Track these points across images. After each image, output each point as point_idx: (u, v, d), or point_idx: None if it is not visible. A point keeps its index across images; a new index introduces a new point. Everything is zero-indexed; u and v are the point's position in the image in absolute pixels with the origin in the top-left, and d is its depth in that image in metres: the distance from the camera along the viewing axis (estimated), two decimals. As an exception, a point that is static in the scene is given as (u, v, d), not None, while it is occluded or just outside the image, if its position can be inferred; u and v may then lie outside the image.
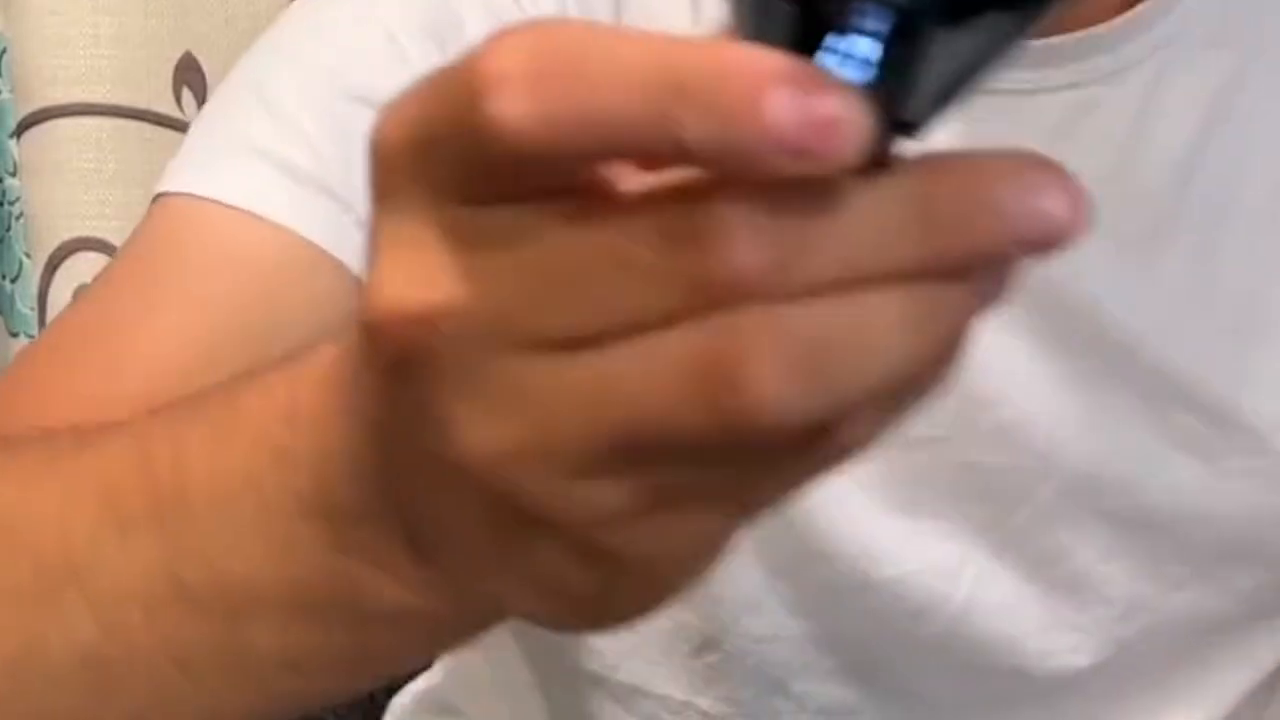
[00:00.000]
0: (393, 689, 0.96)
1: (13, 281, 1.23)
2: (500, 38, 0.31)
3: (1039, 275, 0.68)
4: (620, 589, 0.35)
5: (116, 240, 1.18)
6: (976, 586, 0.73)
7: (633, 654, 0.76)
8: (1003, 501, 0.72)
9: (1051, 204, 0.31)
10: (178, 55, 1.20)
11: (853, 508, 0.71)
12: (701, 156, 0.30)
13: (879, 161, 0.30)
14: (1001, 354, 0.70)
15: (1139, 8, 0.68)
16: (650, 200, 0.31)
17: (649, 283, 0.31)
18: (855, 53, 0.28)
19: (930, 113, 0.30)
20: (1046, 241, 0.31)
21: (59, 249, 1.19)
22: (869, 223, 0.30)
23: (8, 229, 1.22)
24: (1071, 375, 0.70)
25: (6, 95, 1.21)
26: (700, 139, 0.29)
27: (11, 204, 1.22)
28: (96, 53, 1.18)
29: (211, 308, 0.61)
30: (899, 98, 0.29)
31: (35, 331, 1.22)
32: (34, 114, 1.18)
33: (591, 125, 0.30)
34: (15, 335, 1.24)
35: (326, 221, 0.62)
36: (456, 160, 0.32)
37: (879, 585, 0.72)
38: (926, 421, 0.70)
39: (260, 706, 0.43)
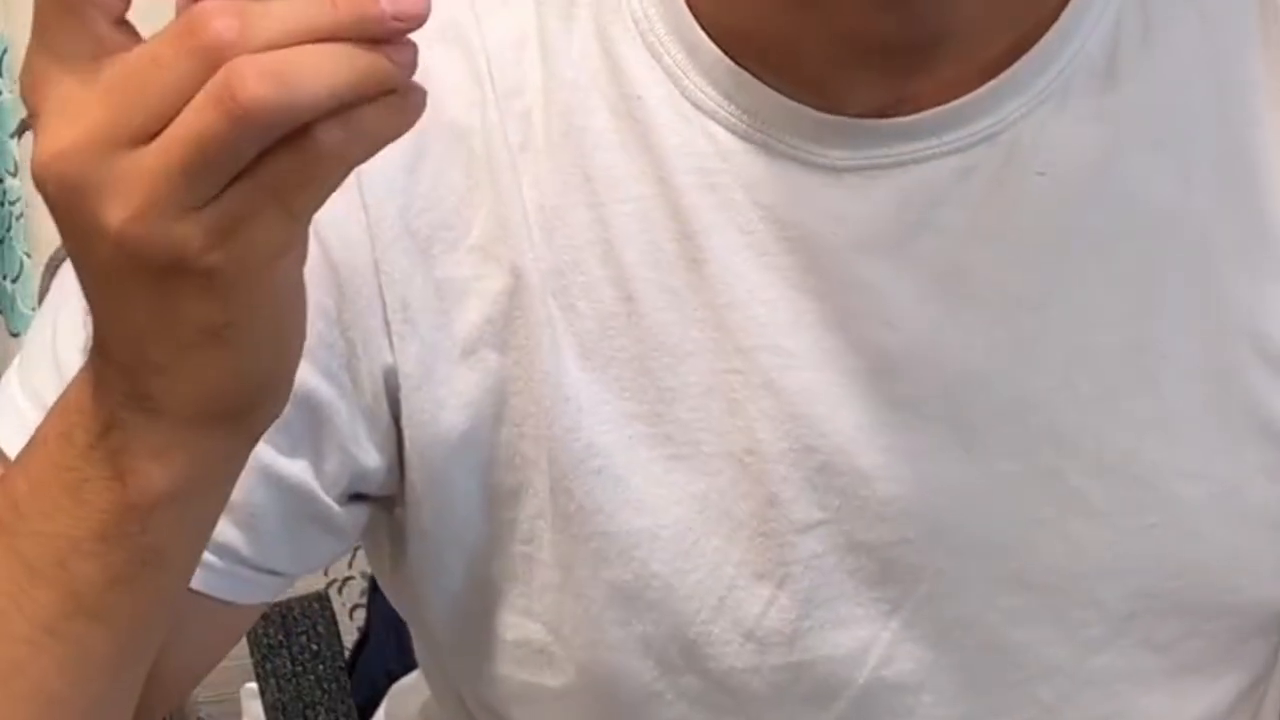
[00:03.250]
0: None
1: (13, 281, 1.23)
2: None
3: (920, 349, 0.69)
4: (231, 307, 0.50)
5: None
6: (883, 666, 0.72)
7: None
8: (902, 577, 0.71)
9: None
10: (178, 55, 1.19)
11: (752, 605, 0.71)
12: None
13: None
14: (881, 429, 0.69)
15: (1007, 72, 0.67)
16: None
17: (178, 68, 0.47)
18: None
19: None
20: (405, 16, 0.49)
21: (60, 249, 1.18)
22: (294, 5, 0.48)
23: (8, 229, 1.23)
24: (956, 445, 0.69)
25: (6, 95, 1.21)
26: None
27: (12, 204, 1.22)
28: (97, 52, 1.17)
29: None
30: None
31: (36, 331, 1.22)
32: (34, 114, 1.18)
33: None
34: (16, 335, 1.24)
35: None
36: (49, 15, 0.49)
37: (774, 671, 0.72)
38: (813, 504, 0.70)
39: (117, 650, 0.58)
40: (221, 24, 0.48)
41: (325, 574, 1.37)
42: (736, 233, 0.68)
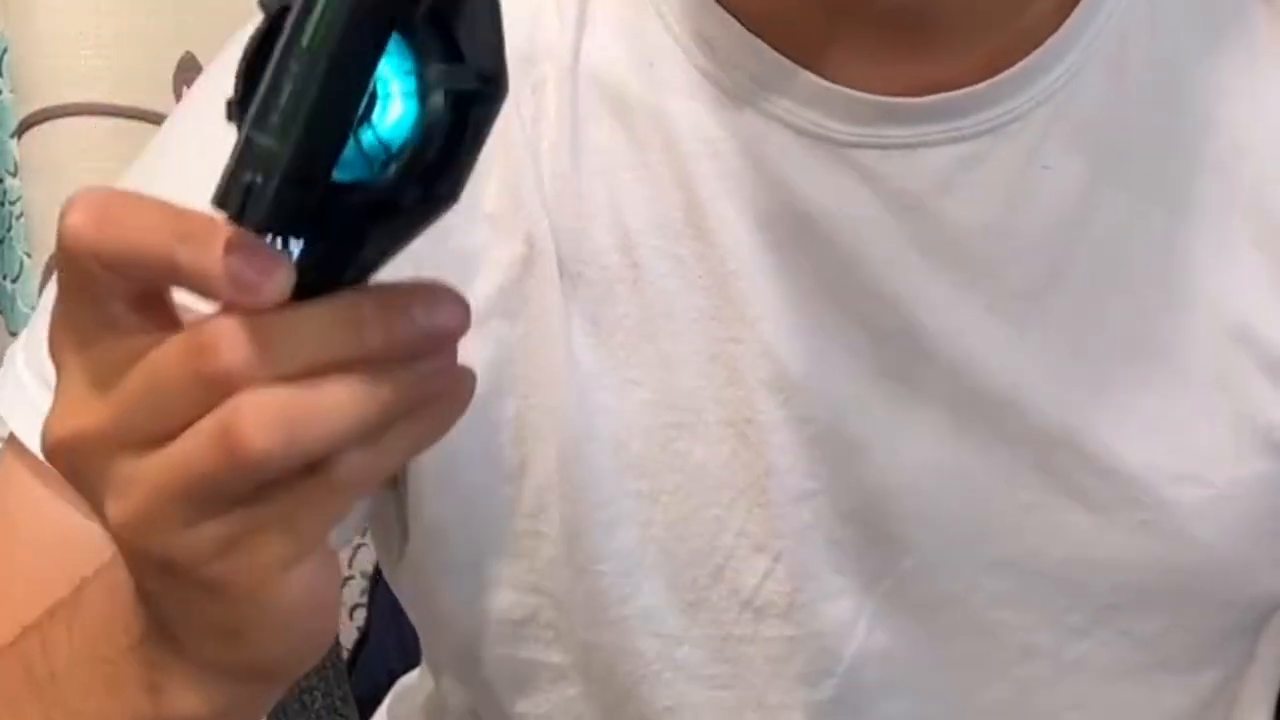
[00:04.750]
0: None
1: (13, 281, 1.23)
2: (80, 193, 0.47)
3: (919, 329, 0.69)
4: (238, 613, 0.49)
5: (117, 240, 1.17)
6: (869, 638, 0.73)
7: None
8: (888, 551, 0.72)
9: (442, 311, 0.46)
10: (178, 55, 1.20)
11: (749, 576, 0.72)
12: (188, 278, 0.46)
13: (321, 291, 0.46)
14: (879, 404, 0.70)
15: (1022, 63, 0.68)
16: (187, 328, 0.47)
17: (182, 390, 0.46)
18: (292, 247, 0.46)
19: (340, 272, 0.46)
20: (437, 335, 0.46)
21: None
22: (313, 328, 0.45)
23: (8, 229, 1.22)
24: (952, 426, 0.70)
25: (6, 95, 1.21)
26: (186, 264, 0.45)
27: (12, 204, 1.22)
28: (96, 53, 1.18)
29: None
30: (324, 265, 0.46)
31: (35, 331, 1.22)
32: (34, 114, 1.18)
33: (127, 236, 0.46)
34: (15, 335, 1.23)
35: None
36: (68, 291, 0.48)
37: (769, 643, 0.73)
38: (806, 475, 0.71)
39: None
40: (228, 354, 0.45)
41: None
42: (741, 202, 0.69)
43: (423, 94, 0.45)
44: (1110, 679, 0.74)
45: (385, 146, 0.45)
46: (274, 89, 0.43)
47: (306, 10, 0.43)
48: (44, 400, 0.67)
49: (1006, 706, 0.74)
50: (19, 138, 1.19)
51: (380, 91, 0.45)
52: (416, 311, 0.46)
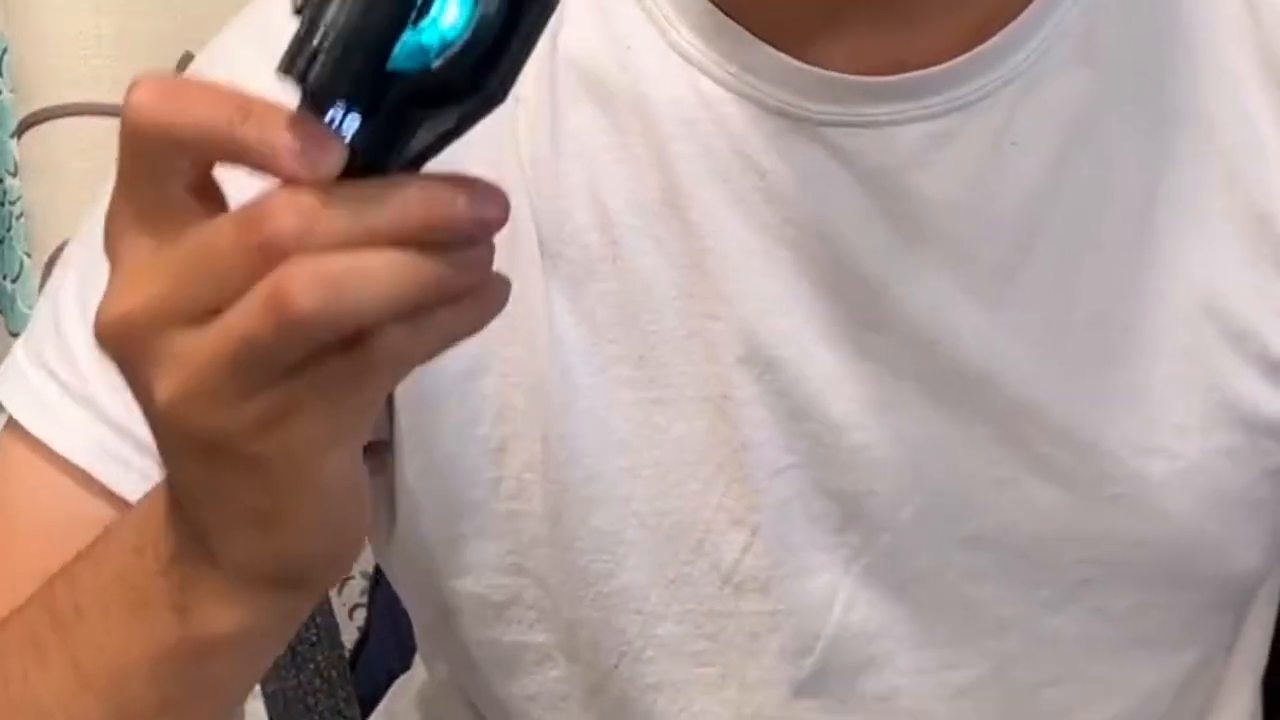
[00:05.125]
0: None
1: (13, 281, 1.23)
2: (143, 74, 0.49)
3: (892, 306, 0.69)
4: (276, 495, 0.50)
5: (116, 240, 1.18)
6: (847, 613, 0.73)
7: None
8: (865, 526, 0.72)
9: (483, 200, 0.48)
10: (178, 55, 1.20)
11: (728, 551, 0.72)
12: (250, 152, 0.47)
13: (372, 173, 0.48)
14: (854, 380, 0.70)
15: (991, 41, 0.69)
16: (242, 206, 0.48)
17: (235, 260, 0.47)
18: (345, 130, 0.48)
19: (388, 157, 0.49)
20: (480, 222, 0.48)
21: (59, 249, 1.20)
22: (362, 203, 0.47)
23: (8, 229, 1.23)
24: (927, 402, 0.71)
25: (6, 95, 1.21)
26: (247, 138, 0.47)
27: (12, 204, 1.22)
28: (97, 53, 1.18)
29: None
30: (374, 148, 0.48)
31: (36, 332, 1.22)
32: (34, 114, 1.19)
33: (191, 111, 0.48)
34: (16, 334, 1.24)
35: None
36: (127, 172, 0.49)
37: (749, 618, 0.73)
38: (783, 449, 0.71)
39: None
40: (281, 221, 0.47)
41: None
42: (719, 181, 0.69)
43: None
44: (1086, 656, 0.75)
45: (441, 39, 0.47)
46: None
47: None
48: (44, 387, 0.68)
49: (984, 682, 0.74)
50: (19, 138, 1.20)
51: None
52: (460, 197, 0.48)
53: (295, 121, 0.47)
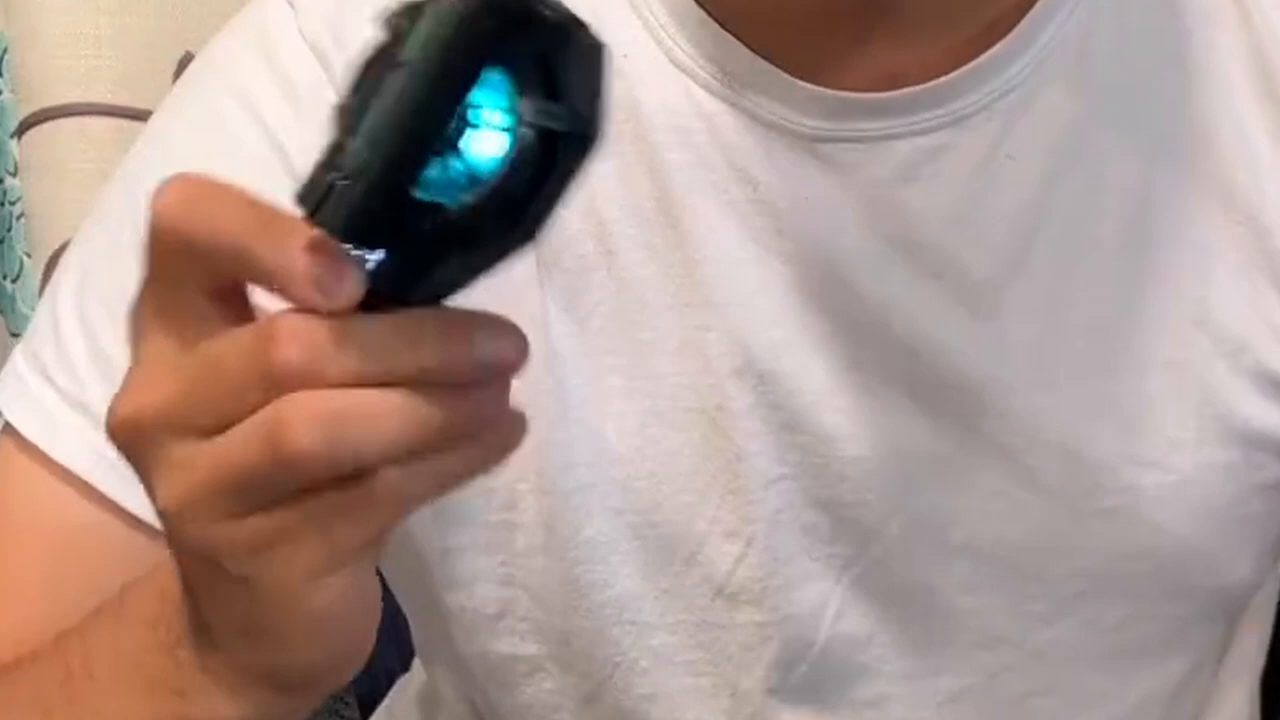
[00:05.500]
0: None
1: (13, 281, 1.23)
2: (174, 177, 0.48)
3: (885, 318, 0.69)
4: (268, 614, 0.49)
5: (116, 240, 1.18)
6: (838, 623, 0.73)
7: None
8: (856, 537, 0.72)
9: (501, 342, 0.47)
10: (178, 55, 1.20)
11: (722, 562, 0.72)
12: (265, 274, 0.46)
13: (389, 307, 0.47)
14: (845, 391, 0.70)
15: (983, 57, 0.69)
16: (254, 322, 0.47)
17: (241, 381, 0.46)
18: (368, 257, 0.46)
19: (411, 288, 0.47)
20: (495, 365, 0.47)
21: (60, 249, 1.20)
22: (375, 338, 0.46)
23: (8, 229, 1.23)
24: (918, 414, 0.71)
25: (7, 95, 1.21)
26: (263, 255, 0.46)
27: (12, 204, 1.22)
28: (97, 53, 1.18)
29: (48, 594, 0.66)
30: (396, 280, 0.47)
31: (36, 331, 1.22)
32: (34, 114, 1.19)
33: (211, 222, 0.47)
34: (16, 335, 1.24)
35: None
36: (152, 273, 0.49)
37: (743, 629, 0.73)
38: (775, 460, 0.71)
39: None
40: (288, 352, 0.46)
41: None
42: (712, 192, 0.69)
43: (515, 128, 0.45)
44: (1078, 666, 0.75)
45: (472, 175, 0.45)
46: (366, 97, 0.44)
47: (411, 25, 0.44)
48: (42, 393, 0.68)
49: (976, 692, 0.74)
50: (19, 138, 1.20)
51: (474, 121, 0.45)
52: (477, 337, 0.47)
53: (315, 245, 0.46)
